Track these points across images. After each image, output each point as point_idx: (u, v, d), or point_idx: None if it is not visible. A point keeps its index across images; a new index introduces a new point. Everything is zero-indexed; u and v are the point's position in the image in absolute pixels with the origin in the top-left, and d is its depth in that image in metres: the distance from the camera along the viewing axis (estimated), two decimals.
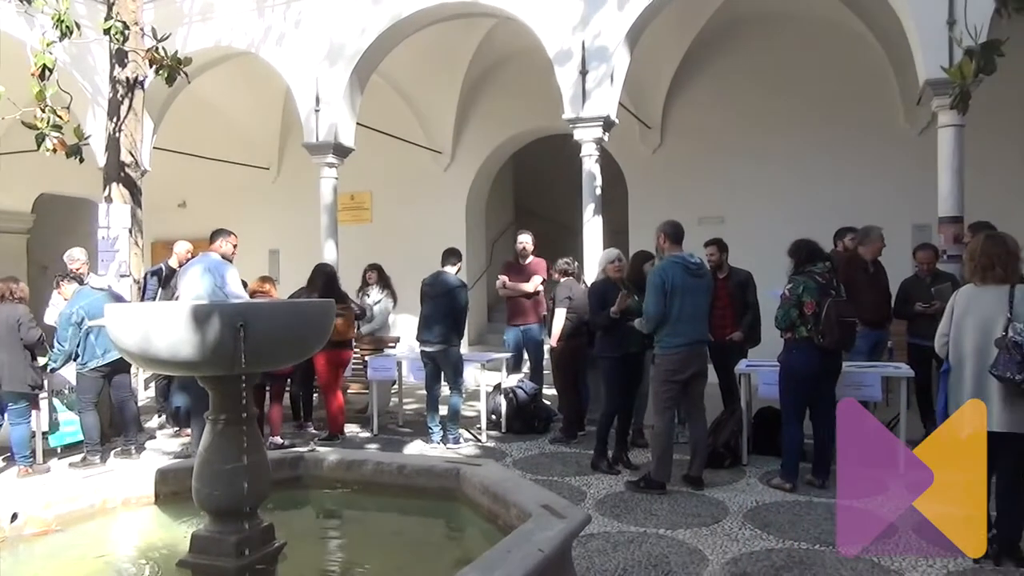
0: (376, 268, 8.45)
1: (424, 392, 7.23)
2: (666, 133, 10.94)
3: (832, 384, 5.43)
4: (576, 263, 7.35)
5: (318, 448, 4.87)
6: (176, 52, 7.08)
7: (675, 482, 5.45)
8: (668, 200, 10.36)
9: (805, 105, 10.13)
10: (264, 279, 7.12)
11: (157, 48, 6.86)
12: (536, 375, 7.84)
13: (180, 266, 7.38)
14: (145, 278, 7.77)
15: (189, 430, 6.77)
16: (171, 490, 3.57)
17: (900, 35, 7.52)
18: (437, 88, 11.92)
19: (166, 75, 6.93)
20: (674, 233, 5.49)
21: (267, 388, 6.89)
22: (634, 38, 8.02)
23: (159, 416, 8.18)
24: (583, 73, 7.83)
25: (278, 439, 6.73)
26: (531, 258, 8.12)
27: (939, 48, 6.62)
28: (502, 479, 3.42)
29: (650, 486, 5.35)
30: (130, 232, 7.68)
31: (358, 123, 9.55)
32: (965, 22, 6.00)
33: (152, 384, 9.07)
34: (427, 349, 6.83)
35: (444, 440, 6.81)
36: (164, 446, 7.17)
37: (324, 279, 7.13)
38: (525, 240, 8.17)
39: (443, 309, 6.76)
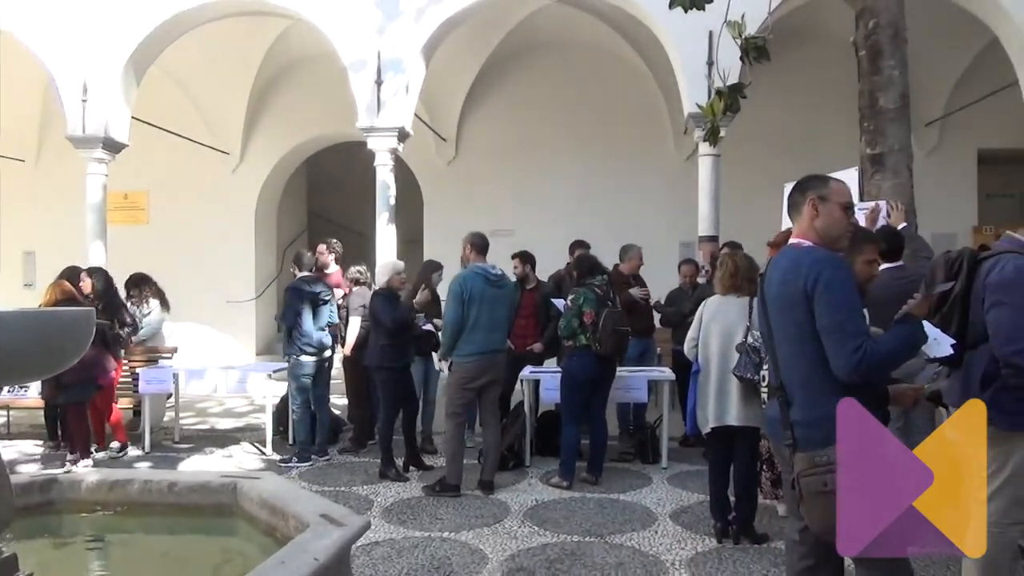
0: (142, 280, 7.73)
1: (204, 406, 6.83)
2: (461, 146, 11.24)
3: (607, 388, 5.87)
4: (368, 272, 7.31)
5: (76, 469, 4.47)
6: None
7: (469, 485, 5.63)
8: (462, 211, 10.65)
9: (589, 128, 10.89)
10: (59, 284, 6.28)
11: None
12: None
13: None
14: None
15: None
16: None
17: (671, 70, 8.32)
18: (226, 86, 11.36)
19: None
20: (480, 244, 5.67)
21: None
22: (430, 51, 8.18)
23: None
24: (378, 83, 7.86)
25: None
26: (334, 268, 7.87)
27: (700, 85, 7.41)
28: (281, 491, 3.35)
29: (445, 489, 5.48)
30: None
31: (134, 117, 8.87)
32: (717, 65, 6.82)
33: None
34: None
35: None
36: None
37: (104, 285, 6.59)
38: (321, 250, 7.95)
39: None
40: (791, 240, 2.73)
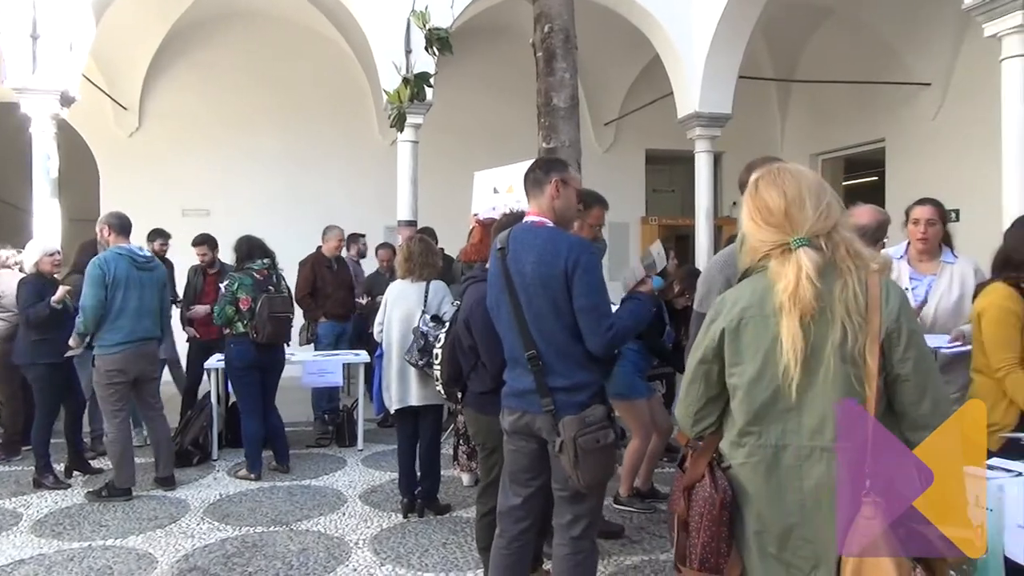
0: None
1: None
2: (145, 117, 10.20)
3: (276, 376, 5.70)
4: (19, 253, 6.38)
5: None
6: None
7: (146, 486, 5.19)
8: (147, 188, 9.74)
9: (294, 108, 10.48)
10: None
11: None
12: None
13: None
14: None
15: None
16: None
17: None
18: None
19: None
20: (120, 225, 5.14)
21: None
22: (101, 7, 7.31)
23: None
24: (34, 37, 6.82)
25: None
26: None
27: (395, 73, 7.46)
28: None
29: (114, 494, 4.99)
30: None
31: None
32: (405, 53, 6.95)
33: None
34: None
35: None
36: None
37: None
38: None
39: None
40: (529, 217, 2.87)
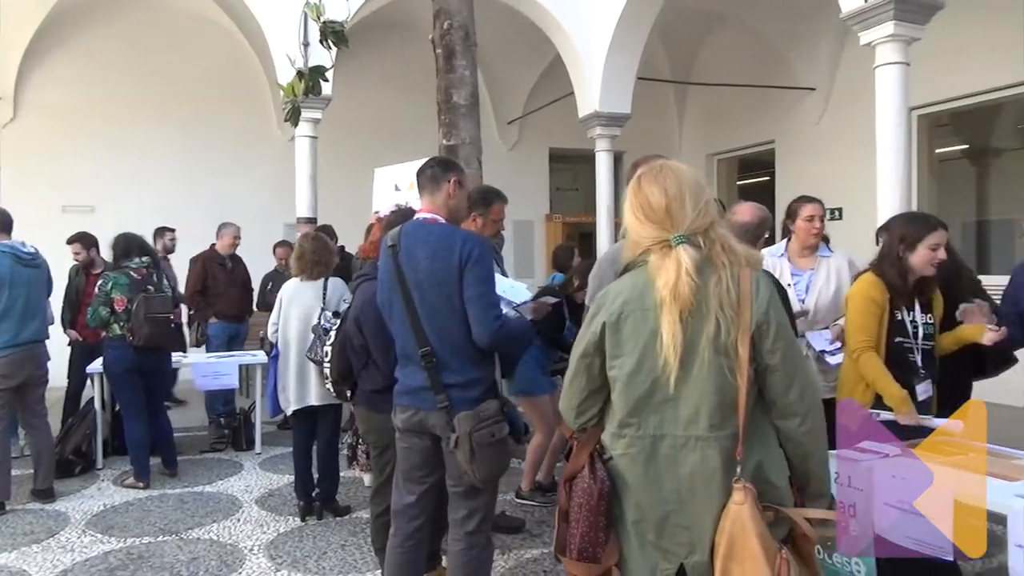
0: None
1: None
2: (20, 108, 9.56)
3: (160, 380, 5.48)
4: None
5: None
6: None
7: (22, 499, 4.89)
8: (23, 183, 9.16)
9: (187, 100, 10.05)
10: None
11: None
12: None
13: None
14: None
15: None
16: None
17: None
18: None
19: None
20: (2, 221, 4.83)
21: None
22: None
23: None
24: None
25: None
26: None
27: (290, 67, 7.28)
28: None
29: None
30: None
31: None
32: (300, 47, 6.76)
33: None
34: None
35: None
36: None
37: None
38: None
39: None
40: (421, 214, 2.84)
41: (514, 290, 3.29)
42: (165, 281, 5.36)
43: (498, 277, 3.01)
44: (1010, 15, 7.46)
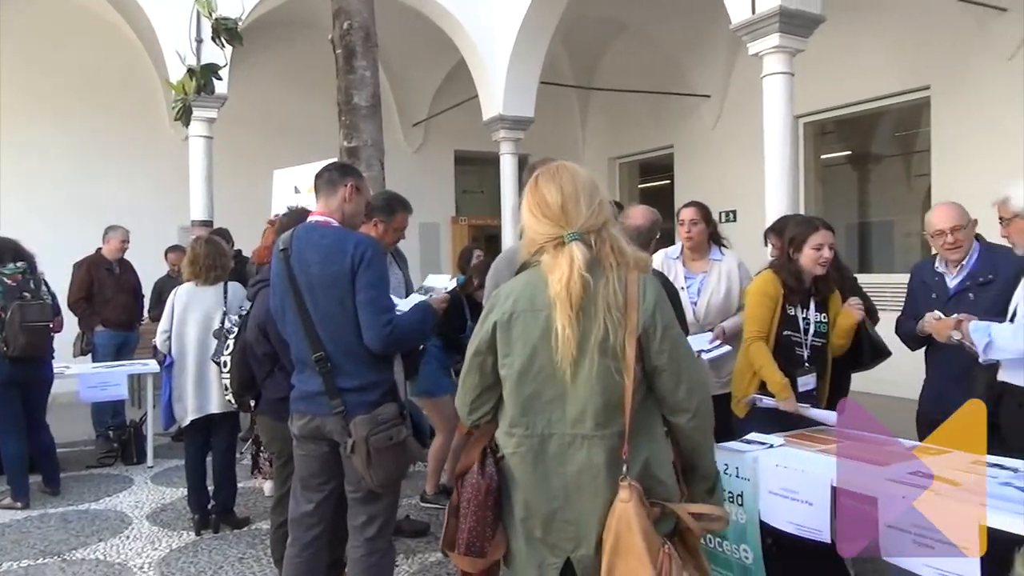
0: None
1: None
2: None
3: (40, 393, 5.18)
4: None
5: None
6: None
7: None
8: None
9: (73, 97, 9.51)
10: None
11: None
12: None
13: None
14: None
15: None
16: None
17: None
18: None
19: None
20: None
21: None
22: None
23: None
24: None
25: None
26: None
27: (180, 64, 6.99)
28: None
29: None
30: None
31: None
32: (192, 43, 6.52)
33: None
34: None
35: None
36: None
37: None
38: None
39: None
40: (314, 217, 2.78)
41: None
42: (44, 287, 5.03)
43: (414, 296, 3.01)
44: (889, 29, 7.97)
